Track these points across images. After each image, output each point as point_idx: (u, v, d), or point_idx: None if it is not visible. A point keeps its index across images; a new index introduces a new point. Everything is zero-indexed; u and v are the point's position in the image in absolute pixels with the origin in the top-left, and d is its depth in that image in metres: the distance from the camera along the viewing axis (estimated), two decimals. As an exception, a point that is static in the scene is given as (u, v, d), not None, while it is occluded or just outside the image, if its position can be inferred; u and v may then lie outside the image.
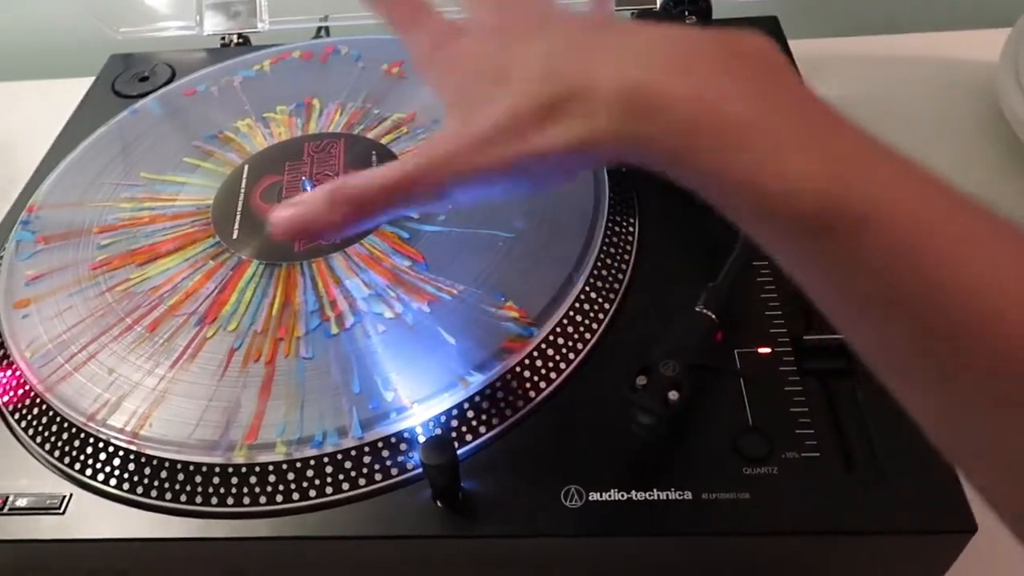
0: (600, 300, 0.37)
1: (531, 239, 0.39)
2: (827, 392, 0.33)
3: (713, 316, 0.33)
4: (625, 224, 0.40)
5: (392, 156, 0.44)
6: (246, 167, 0.45)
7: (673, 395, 0.30)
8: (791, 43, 0.52)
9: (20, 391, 0.36)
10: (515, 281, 0.37)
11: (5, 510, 0.33)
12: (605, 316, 0.37)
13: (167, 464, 0.33)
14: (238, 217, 0.42)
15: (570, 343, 0.36)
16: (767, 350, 0.35)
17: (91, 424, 0.34)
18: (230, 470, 0.32)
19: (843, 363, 0.33)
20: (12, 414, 0.36)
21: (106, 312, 0.38)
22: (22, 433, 0.35)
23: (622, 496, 0.31)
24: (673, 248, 0.40)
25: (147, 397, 0.34)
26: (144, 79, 0.55)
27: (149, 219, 0.42)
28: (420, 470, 0.32)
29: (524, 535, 0.31)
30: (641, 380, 0.30)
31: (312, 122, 0.47)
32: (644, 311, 0.37)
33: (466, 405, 0.34)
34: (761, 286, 0.38)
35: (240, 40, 0.58)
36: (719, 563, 0.32)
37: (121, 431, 0.33)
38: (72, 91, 0.65)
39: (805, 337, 0.35)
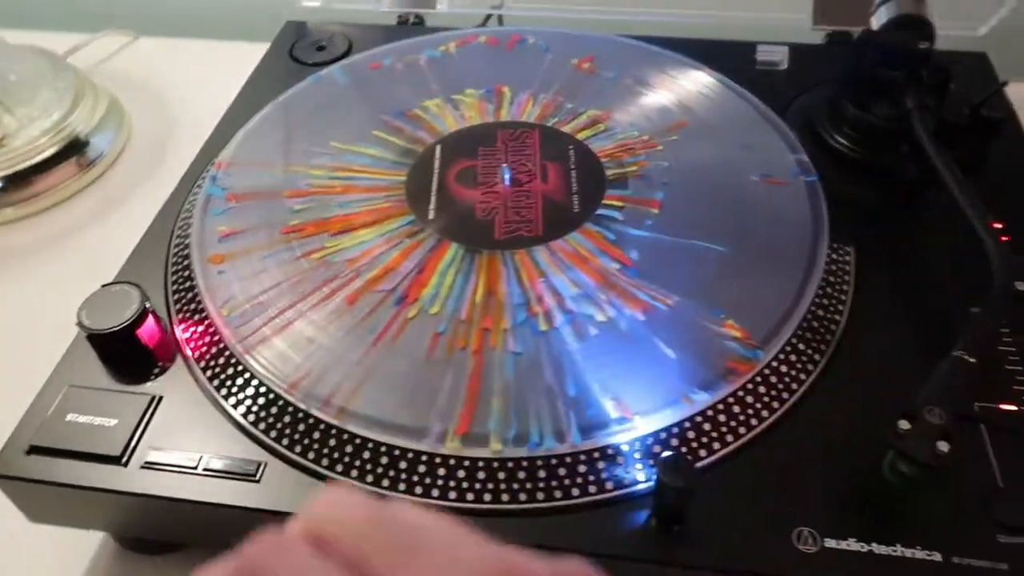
0: (822, 329, 0.35)
1: (746, 256, 0.37)
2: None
3: (974, 362, 0.30)
4: (843, 252, 0.38)
5: (590, 153, 0.43)
6: (438, 148, 0.43)
7: (943, 446, 0.27)
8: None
9: (214, 348, 0.35)
10: (732, 299, 0.35)
11: (199, 470, 0.32)
12: (827, 347, 0.35)
13: (370, 445, 0.31)
14: (433, 198, 0.40)
15: (793, 372, 0.33)
16: (1012, 407, 0.32)
17: (292, 393, 0.33)
18: (437, 460, 0.31)
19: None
20: (204, 370, 0.35)
21: (302, 279, 0.37)
22: (214, 392, 0.34)
23: (861, 547, 0.29)
24: (892, 279, 0.37)
25: (350, 373, 0.33)
26: (321, 48, 0.54)
27: (341, 189, 0.41)
28: (636, 487, 0.30)
29: (752, 573, 0.29)
30: (904, 425, 0.28)
31: (503, 109, 0.46)
32: (867, 345, 0.35)
33: (687, 424, 0.31)
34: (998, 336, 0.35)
35: (416, 20, 0.57)
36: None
37: (325, 404, 0.32)
38: (234, 53, 0.65)
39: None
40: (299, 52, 0.54)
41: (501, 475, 0.30)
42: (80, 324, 0.35)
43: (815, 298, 0.35)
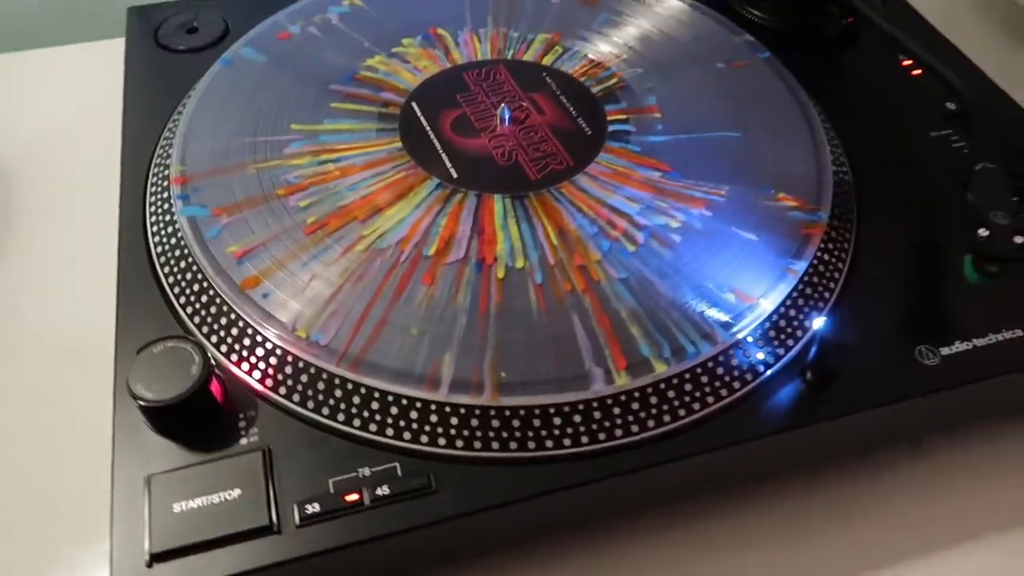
0: (846, 177, 0.39)
1: (758, 134, 0.40)
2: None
3: (993, 167, 0.36)
4: (820, 106, 0.42)
5: (567, 76, 0.42)
6: (415, 105, 0.40)
7: (1019, 239, 0.32)
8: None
9: (304, 376, 0.30)
10: (771, 174, 0.38)
11: (367, 503, 0.28)
12: (852, 190, 0.39)
13: (537, 411, 0.30)
14: (443, 155, 0.38)
15: (848, 219, 0.37)
16: None
17: (432, 391, 0.30)
18: (609, 401, 0.30)
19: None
20: (301, 404, 0.30)
21: (362, 273, 0.33)
22: (328, 421, 0.30)
23: (968, 345, 0.33)
24: (861, 116, 0.42)
25: (478, 351, 0.31)
26: (193, 30, 0.46)
27: (339, 172, 0.37)
28: (781, 362, 0.32)
29: (904, 397, 0.32)
30: (983, 232, 0.33)
31: (454, 52, 0.43)
32: (876, 179, 0.39)
33: (795, 294, 0.34)
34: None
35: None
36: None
37: (474, 390, 0.30)
38: (71, 57, 0.55)
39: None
40: (167, 39, 0.46)
41: (671, 394, 0.31)
42: (139, 399, 0.28)
43: (831, 152, 0.39)
